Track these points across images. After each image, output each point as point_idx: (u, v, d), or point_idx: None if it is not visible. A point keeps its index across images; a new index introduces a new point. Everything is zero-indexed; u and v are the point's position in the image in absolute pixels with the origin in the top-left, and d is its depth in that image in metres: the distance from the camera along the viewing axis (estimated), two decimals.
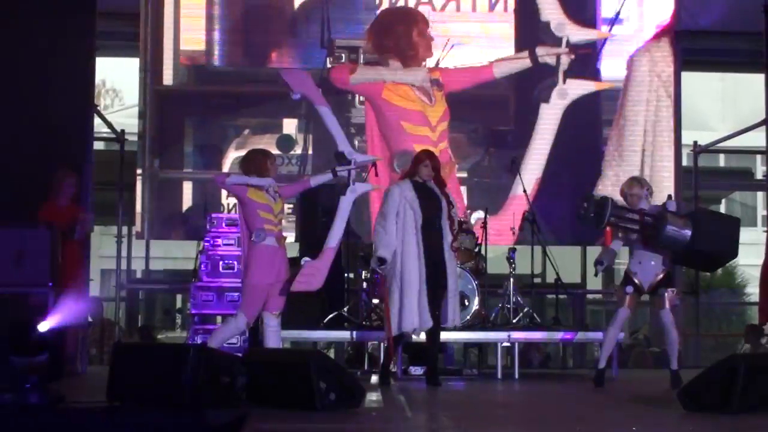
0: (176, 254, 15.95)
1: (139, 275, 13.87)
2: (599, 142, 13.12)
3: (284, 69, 7.48)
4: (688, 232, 7.73)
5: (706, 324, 15.63)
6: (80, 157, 10.19)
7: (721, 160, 22.59)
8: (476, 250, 10.38)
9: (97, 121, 11.53)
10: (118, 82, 24.05)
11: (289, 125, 12.99)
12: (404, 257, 8.06)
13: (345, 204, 7.87)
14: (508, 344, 9.67)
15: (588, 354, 13.58)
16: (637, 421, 5.91)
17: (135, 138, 12.94)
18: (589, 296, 16.22)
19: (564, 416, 6.46)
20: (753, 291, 17.87)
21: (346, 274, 10.61)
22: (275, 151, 11.82)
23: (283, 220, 7.74)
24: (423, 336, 8.38)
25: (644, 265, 8.23)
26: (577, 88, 13.02)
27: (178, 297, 15.62)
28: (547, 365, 13.41)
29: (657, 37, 13.26)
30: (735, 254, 8.17)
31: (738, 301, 17.88)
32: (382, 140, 12.73)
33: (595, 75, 13.15)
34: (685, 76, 13.83)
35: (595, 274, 9.07)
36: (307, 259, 7.56)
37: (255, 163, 7.59)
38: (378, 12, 13.09)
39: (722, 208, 22.15)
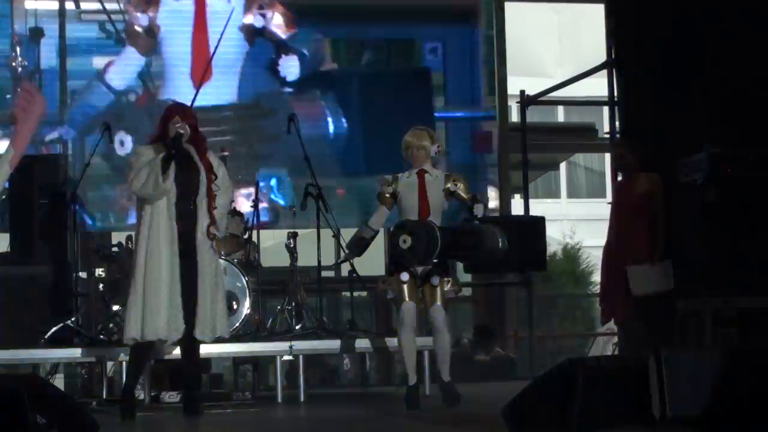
0: None
1: None
2: None
3: None
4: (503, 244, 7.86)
5: (544, 322, 15.76)
6: None
7: (560, 114, 22.98)
8: (246, 236, 10.33)
9: None
10: None
11: None
12: (152, 245, 7.92)
13: None
14: (291, 358, 9.72)
15: (398, 367, 13.55)
16: None
17: None
18: None
19: None
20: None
21: (75, 274, 10.39)
22: None
23: None
24: (179, 351, 8.29)
25: None
26: None
27: None
28: (333, 383, 13.62)
29: None
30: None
31: (583, 292, 18.23)
32: None
33: None
34: (511, 8, 13.76)
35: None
36: None
37: None
38: None
39: (562, 175, 22.52)
